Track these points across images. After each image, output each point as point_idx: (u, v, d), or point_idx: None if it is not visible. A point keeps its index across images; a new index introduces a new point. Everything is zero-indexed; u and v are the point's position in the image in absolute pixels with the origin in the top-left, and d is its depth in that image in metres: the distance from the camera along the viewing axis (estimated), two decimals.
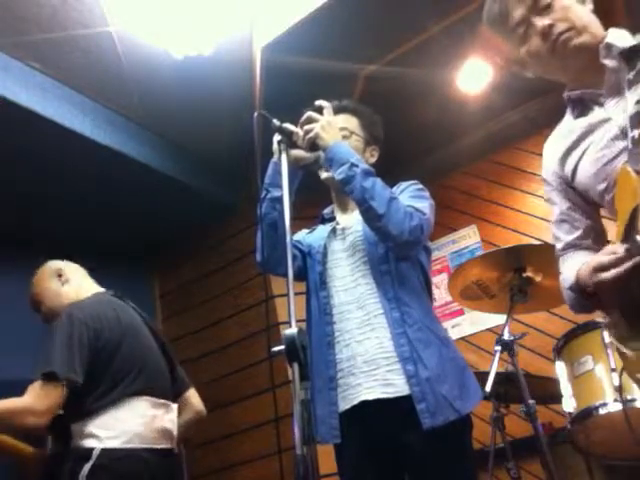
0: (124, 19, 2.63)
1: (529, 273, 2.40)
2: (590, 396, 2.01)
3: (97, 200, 3.41)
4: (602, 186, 1.26)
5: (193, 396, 2.25)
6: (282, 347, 1.20)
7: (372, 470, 1.59)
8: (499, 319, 2.90)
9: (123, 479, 1.79)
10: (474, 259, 2.59)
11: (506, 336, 2.28)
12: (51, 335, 1.87)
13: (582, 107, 1.34)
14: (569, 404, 2.11)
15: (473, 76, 3.26)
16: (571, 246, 1.40)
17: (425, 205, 1.71)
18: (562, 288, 1.38)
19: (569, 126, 1.38)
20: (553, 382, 2.26)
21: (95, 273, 2.35)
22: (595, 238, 1.39)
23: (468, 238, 3.76)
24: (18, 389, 1.98)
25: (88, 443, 1.81)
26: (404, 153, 3.50)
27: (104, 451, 1.79)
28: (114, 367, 1.91)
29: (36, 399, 1.77)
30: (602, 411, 1.94)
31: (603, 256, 1.13)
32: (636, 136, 1.13)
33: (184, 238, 4.10)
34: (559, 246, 1.43)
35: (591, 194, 1.32)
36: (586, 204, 1.37)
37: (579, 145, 1.32)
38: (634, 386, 1.89)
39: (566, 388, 2.15)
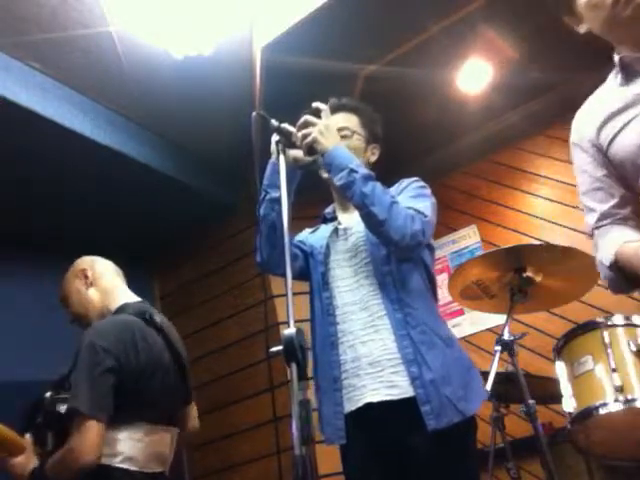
0: (124, 19, 2.63)
1: (529, 273, 2.40)
2: (590, 396, 2.01)
3: (97, 200, 3.40)
4: None
5: (192, 410, 2.21)
6: (280, 347, 1.20)
7: (377, 472, 1.59)
8: (499, 319, 2.90)
9: None
10: (474, 259, 2.58)
11: (506, 336, 2.27)
12: (76, 364, 1.81)
13: (629, 74, 1.25)
14: (569, 404, 2.11)
15: (473, 76, 3.26)
16: (606, 216, 1.30)
17: (427, 205, 1.70)
18: (599, 266, 1.30)
19: (612, 92, 1.28)
20: (553, 382, 2.26)
21: None
22: (632, 209, 1.29)
23: (468, 238, 3.76)
24: (19, 389, 1.98)
25: None
26: (404, 153, 3.49)
27: (100, 467, 1.76)
28: (127, 397, 1.85)
29: (75, 441, 1.75)
30: (602, 411, 1.94)
31: None
32: None
33: (184, 238, 4.10)
34: (593, 218, 1.33)
35: (628, 167, 1.23)
36: (620, 175, 1.28)
37: (622, 114, 1.23)
38: (634, 386, 1.89)
39: (566, 388, 2.15)
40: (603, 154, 1.28)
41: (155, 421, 1.93)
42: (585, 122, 1.33)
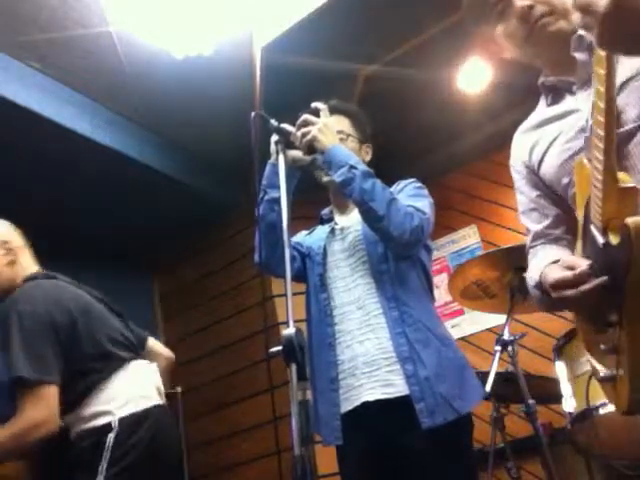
0: (124, 19, 2.63)
1: None
2: (590, 396, 2.00)
3: (97, 200, 3.40)
4: (566, 180, 1.21)
5: (155, 344, 2.20)
6: (280, 348, 1.20)
7: (374, 472, 1.59)
8: (499, 319, 2.90)
9: (146, 438, 1.78)
10: (474, 259, 2.58)
11: (506, 336, 2.28)
12: (5, 338, 1.75)
13: (555, 95, 1.28)
14: (569, 404, 2.11)
15: (473, 76, 3.26)
16: (540, 236, 1.33)
17: (425, 204, 1.71)
18: (528, 285, 1.32)
19: (541, 114, 1.32)
20: (553, 382, 2.26)
21: (96, 273, 2.33)
22: (566, 229, 1.31)
23: (468, 238, 3.76)
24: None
25: (102, 420, 1.77)
26: (404, 153, 3.50)
27: (121, 420, 1.77)
28: (87, 348, 1.84)
29: (30, 411, 1.69)
30: (602, 411, 1.94)
31: (563, 271, 1.09)
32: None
33: (184, 238, 4.10)
34: (529, 238, 1.36)
35: (556, 187, 1.26)
36: (554, 194, 1.30)
37: (548, 134, 1.26)
38: None
39: (566, 388, 2.15)
40: (535, 174, 1.31)
41: (135, 359, 1.94)
42: (519, 145, 1.37)
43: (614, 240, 0.95)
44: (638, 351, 0.97)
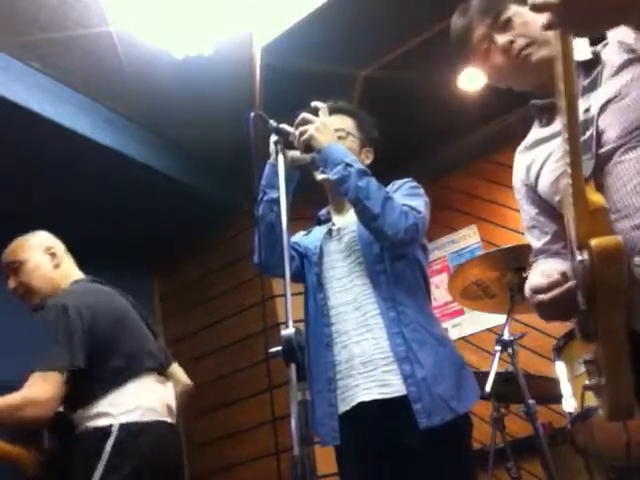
0: (124, 19, 2.63)
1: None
2: (590, 396, 2.00)
3: (97, 200, 3.41)
4: (557, 198, 1.25)
5: (178, 370, 2.26)
6: (279, 348, 1.20)
7: (372, 472, 1.59)
8: (499, 319, 2.90)
9: (145, 452, 1.81)
10: (474, 259, 2.59)
11: (506, 336, 2.28)
12: (47, 329, 1.85)
13: (549, 115, 1.32)
14: (569, 404, 2.11)
15: (473, 76, 3.26)
16: (541, 252, 1.38)
17: (420, 203, 1.70)
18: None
19: (535, 134, 1.38)
20: (553, 382, 2.26)
21: (96, 273, 2.34)
22: (565, 244, 1.33)
23: (468, 238, 3.76)
24: (18, 389, 1.98)
25: (102, 422, 1.81)
26: (404, 153, 3.49)
27: (122, 426, 1.80)
28: (115, 350, 1.91)
29: (35, 389, 1.75)
30: (602, 411, 1.93)
31: (540, 278, 1.17)
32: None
33: (184, 238, 4.10)
34: (532, 254, 1.41)
35: (552, 204, 1.31)
36: (553, 210, 1.34)
37: (541, 153, 1.31)
38: None
39: (566, 388, 2.15)
40: (534, 192, 1.37)
41: (156, 373, 1.99)
42: (518, 164, 1.44)
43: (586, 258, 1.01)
44: (610, 362, 1.04)
